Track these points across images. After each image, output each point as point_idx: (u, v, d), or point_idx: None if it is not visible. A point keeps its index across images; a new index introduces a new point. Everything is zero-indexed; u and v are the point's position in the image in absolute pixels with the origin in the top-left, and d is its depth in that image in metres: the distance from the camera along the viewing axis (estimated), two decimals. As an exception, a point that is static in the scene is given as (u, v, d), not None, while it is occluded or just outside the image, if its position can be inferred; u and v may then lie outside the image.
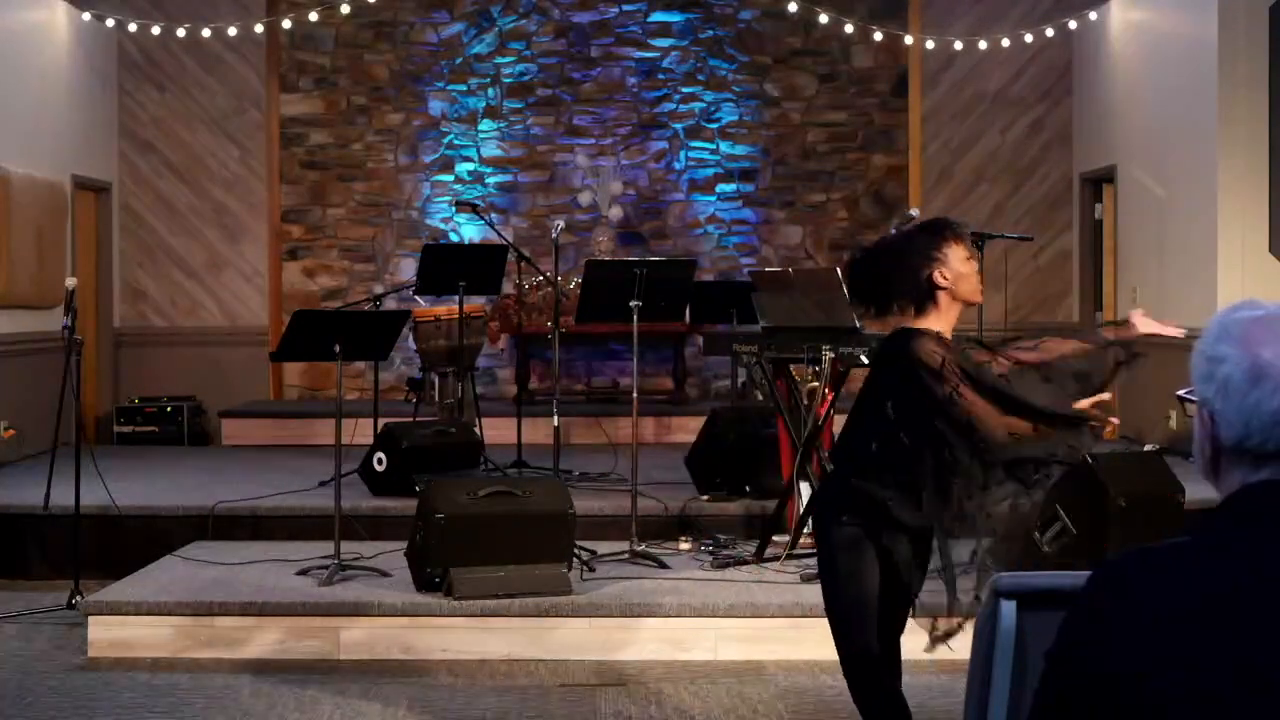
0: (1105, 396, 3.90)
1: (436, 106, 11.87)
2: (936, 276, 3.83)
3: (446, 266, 8.59)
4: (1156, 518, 6.13)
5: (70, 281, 6.95)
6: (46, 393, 7.92)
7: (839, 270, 6.92)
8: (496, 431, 9.05)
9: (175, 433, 10.87)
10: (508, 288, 9.84)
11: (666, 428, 10.40)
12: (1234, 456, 1.73)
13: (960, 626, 3.84)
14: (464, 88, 11.88)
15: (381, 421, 8.23)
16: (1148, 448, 8.42)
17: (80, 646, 6.01)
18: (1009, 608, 2.25)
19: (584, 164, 11.89)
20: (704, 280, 10.86)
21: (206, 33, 11.09)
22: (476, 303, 9.71)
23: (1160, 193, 9.94)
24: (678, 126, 11.91)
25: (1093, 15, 11.06)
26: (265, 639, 5.95)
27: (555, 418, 7.62)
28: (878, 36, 11.30)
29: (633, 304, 6.72)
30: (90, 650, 5.95)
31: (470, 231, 11.74)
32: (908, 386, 3.76)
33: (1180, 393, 1.73)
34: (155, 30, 11.11)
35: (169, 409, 10.94)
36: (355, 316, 7.41)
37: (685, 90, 11.92)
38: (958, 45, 11.28)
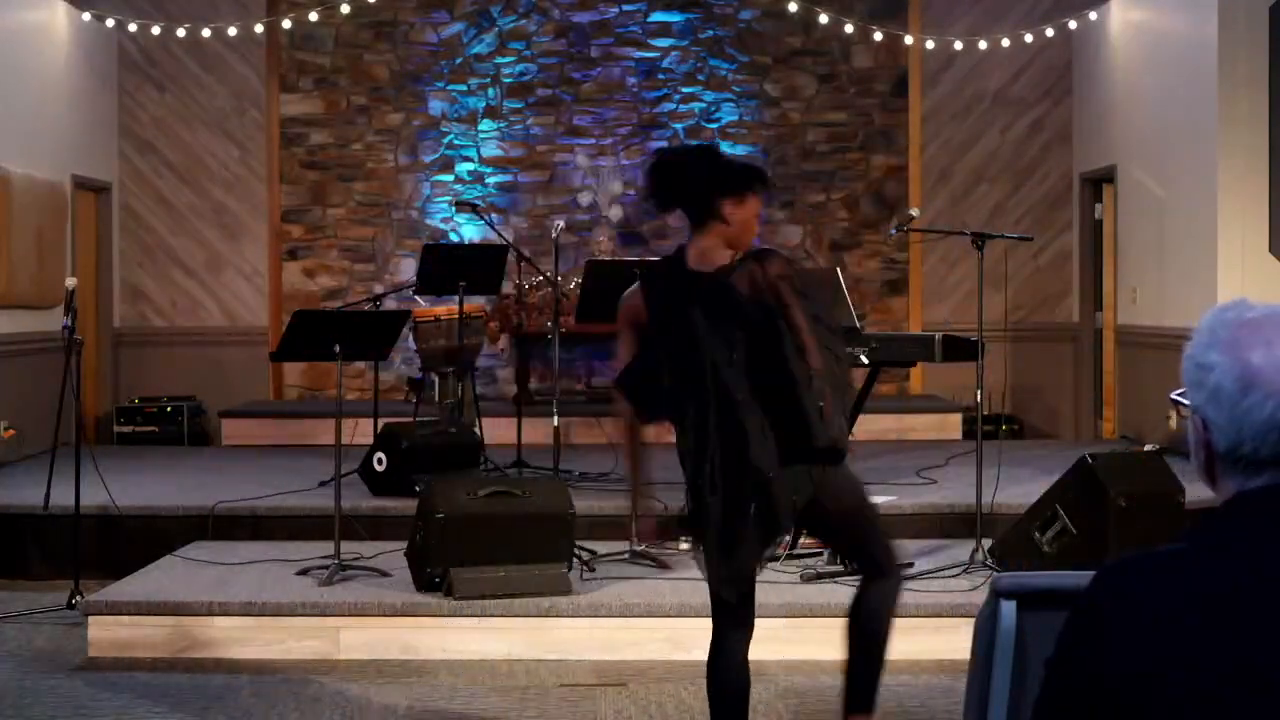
0: None
1: (436, 106, 11.87)
2: (725, 207, 3.90)
3: (446, 266, 8.58)
4: (1156, 518, 6.12)
5: (70, 281, 6.95)
6: (46, 393, 7.92)
7: (837, 271, 6.92)
8: (496, 431, 9.05)
9: (175, 433, 10.87)
10: (508, 288, 9.84)
11: (667, 427, 10.38)
12: (1228, 464, 1.72)
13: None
14: (464, 88, 11.88)
15: (381, 421, 8.23)
16: (1148, 448, 8.43)
17: (80, 646, 6.01)
18: (1009, 608, 2.25)
19: (584, 164, 11.89)
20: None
21: (206, 33, 11.09)
22: (476, 303, 9.72)
23: (1160, 193, 9.94)
24: (678, 126, 11.90)
25: (1093, 15, 11.06)
26: (265, 639, 5.94)
27: (555, 418, 7.62)
28: (878, 36, 11.30)
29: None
30: (90, 650, 5.95)
31: (470, 231, 11.74)
32: None
33: (1173, 395, 1.71)
34: (155, 30, 11.12)
35: (169, 409, 10.94)
36: (355, 316, 7.41)
37: (685, 90, 11.92)
38: (958, 45, 11.28)
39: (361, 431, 8.36)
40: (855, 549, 4.27)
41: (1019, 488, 7.49)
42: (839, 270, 7.12)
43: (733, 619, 4.01)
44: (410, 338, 9.16)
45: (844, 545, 4.56)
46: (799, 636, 5.86)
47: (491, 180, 11.90)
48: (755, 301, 3.87)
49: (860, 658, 4.11)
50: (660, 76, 11.92)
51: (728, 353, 3.88)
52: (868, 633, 4.10)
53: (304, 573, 6.42)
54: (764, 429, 3.87)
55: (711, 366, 3.89)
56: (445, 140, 11.88)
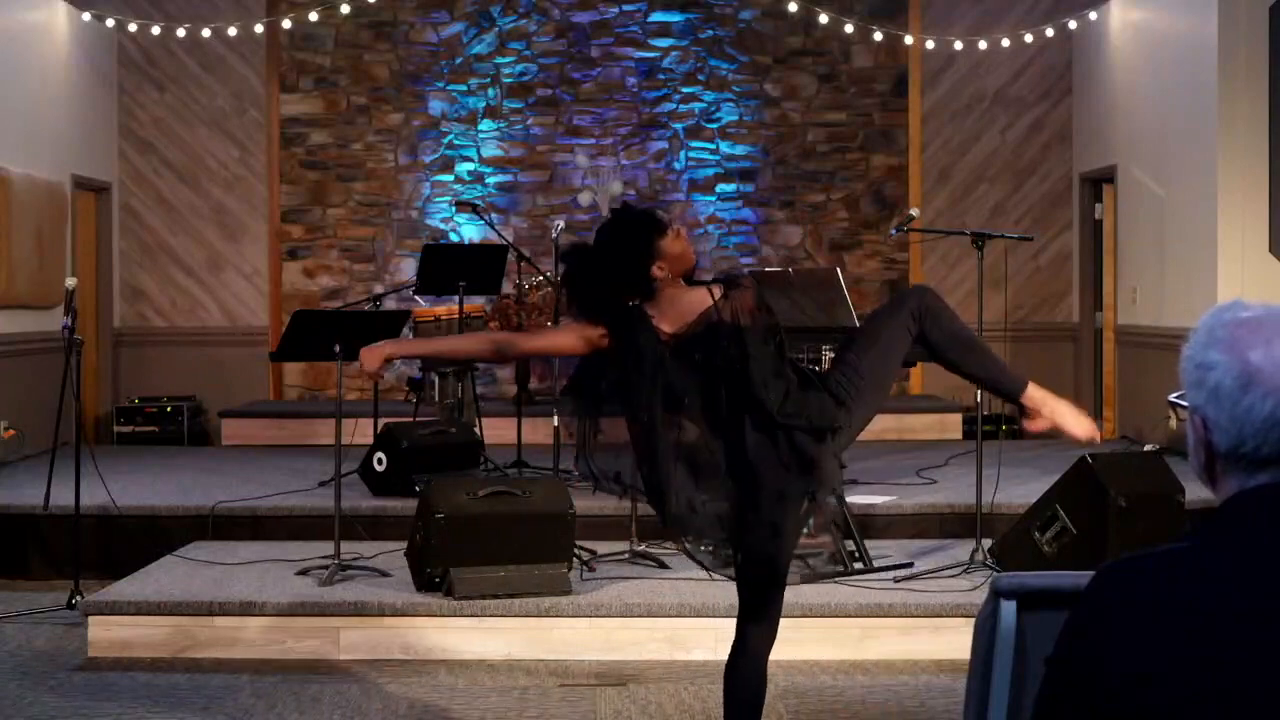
0: None
1: (436, 106, 11.87)
2: (655, 273, 4.00)
3: (446, 266, 8.59)
4: (1156, 518, 6.13)
5: (70, 281, 6.95)
6: (46, 393, 7.92)
7: (838, 271, 6.93)
8: (496, 431, 9.05)
9: (175, 433, 10.87)
10: (508, 288, 9.84)
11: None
12: (1229, 463, 1.72)
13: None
14: (464, 88, 11.88)
15: (381, 421, 8.23)
16: (1148, 448, 8.43)
17: (80, 646, 6.01)
18: (1009, 608, 2.25)
19: (584, 164, 11.89)
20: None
21: (206, 33, 11.09)
22: (476, 303, 9.72)
23: (1160, 193, 9.94)
24: (678, 126, 11.91)
25: (1093, 15, 11.06)
26: (265, 639, 5.95)
27: (555, 418, 7.62)
28: (878, 36, 11.30)
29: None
30: (90, 650, 5.95)
31: (470, 231, 11.74)
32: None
33: (1172, 398, 1.72)
34: (155, 30, 11.12)
35: (169, 409, 10.94)
36: (355, 316, 7.41)
37: (685, 90, 11.92)
38: (958, 45, 11.28)
39: (361, 431, 8.36)
40: (893, 353, 4.21)
41: (1019, 488, 7.49)
42: (839, 270, 7.12)
43: (763, 611, 4.03)
44: (410, 338, 9.16)
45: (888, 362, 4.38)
46: (799, 636, 5.86)
47: (491, 180, 11.90)
48: (734, 329, 3.95)
49: (975, 367, 4.25)
50: (660, 76, 11.92)
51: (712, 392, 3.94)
52: (961, 347, 4.18)
53: (304, 573, 6.41)
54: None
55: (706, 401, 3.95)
56: (445, 140, 11.88)
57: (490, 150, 11.91)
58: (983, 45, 11.30)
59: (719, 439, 3.94)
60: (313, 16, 11.17)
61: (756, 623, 4.04)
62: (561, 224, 8.09)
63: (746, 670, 4.04)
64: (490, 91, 11.88)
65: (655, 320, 4.01)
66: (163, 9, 11.28)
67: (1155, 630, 1.63)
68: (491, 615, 5.92)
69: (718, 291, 4.03)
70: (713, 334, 3.96)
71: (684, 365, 3.95)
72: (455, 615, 5.92)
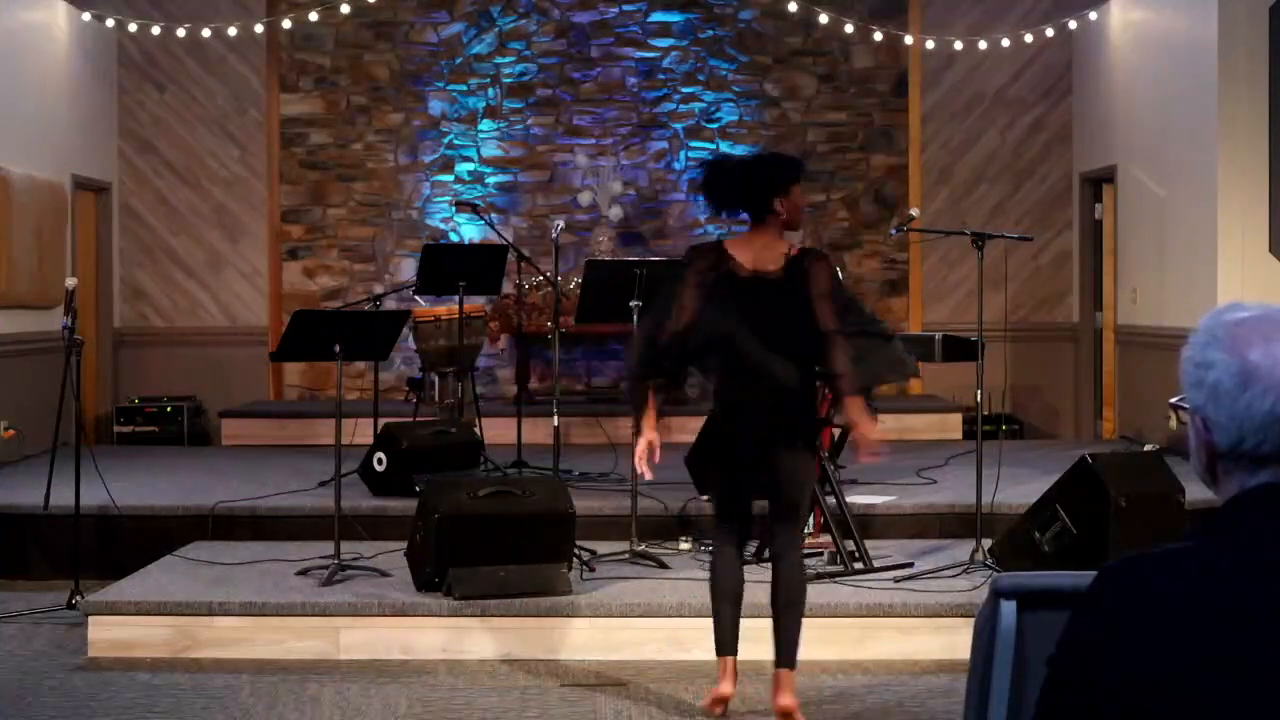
0: None
1: (436, 106, 11.87)
2: (776, 204, 4.91)
3: (446, 266, 8.58)
4: (1156, 518, 6.12)
5: (70, 281, 6.95)
6: (46, 393, 7.92)
7: (837, 270, 6.91)
8: (496, 431, 9.05)
9: (175, 433, 10.87)
10: (508, 288, 9.84)
11: (666, 428, 10.34)
12: (1230, 461, 1.72)
13: None
14: (464, 88, 11.88)
15: (381, 421, 8.23)
16: (1148, 448, 8.43)
17: (80, 646, 6.01)
18: (1009, 608, 2.25)
19: (584, 164, 11.89)
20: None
21: (206, 33, 11.09)
22: (476, 303, 9.71)
23: (1160, 193, 9.94)
24: (678, 126, 11.90)
25: (1093, 15, 11.06)
26: (265, 639, 5.95)
27: (555, 418, 7.62)
28: (878, 36, 11.30)
29: (633, 304, 6.71)
30: (90, 650, 5.95)
31: (470, 231, 11.74)
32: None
33: (1173, 401, 1.72)
34: (155, 30, 11.12)
35: (169, 409, 10.94)
36: (355, 316, 7.41)
37: (685, 90, 11.92)
38: (958, 45, 11.28)
39: (361, 431, 8.36)
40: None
41: (1019, 488, 7.49)
42: (839, 270, 7.11)
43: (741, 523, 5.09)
44: (410, 338, 9.17)
45: None
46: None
47: (491, 180, 11.90)
48: (794, 287, 4.85)
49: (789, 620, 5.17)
50: (660, 76, 11.92)
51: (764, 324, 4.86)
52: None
53: (304, 573, 6.42)
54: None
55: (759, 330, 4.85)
56: (445, 140, 11.88)
57: (490, 150, 11.90)
58: (983, 45, 11.30)
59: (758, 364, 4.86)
60: (313, 16, 11.17)
61: (738, 535, 5.14)
62: (561, 224, 8.09)
63: (738, 569, 5.11)
64: (490, 91, 11.88)
65: (734, 253, 4.87)
66: (163, 9, 11.28)
67: (1157, 631, 1.63)
68: (491, 615, 5.92)
69: (797, 250, 4.91)
70: (792, 271, 4.84)
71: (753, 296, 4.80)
72: (455, 615, 5.92)
